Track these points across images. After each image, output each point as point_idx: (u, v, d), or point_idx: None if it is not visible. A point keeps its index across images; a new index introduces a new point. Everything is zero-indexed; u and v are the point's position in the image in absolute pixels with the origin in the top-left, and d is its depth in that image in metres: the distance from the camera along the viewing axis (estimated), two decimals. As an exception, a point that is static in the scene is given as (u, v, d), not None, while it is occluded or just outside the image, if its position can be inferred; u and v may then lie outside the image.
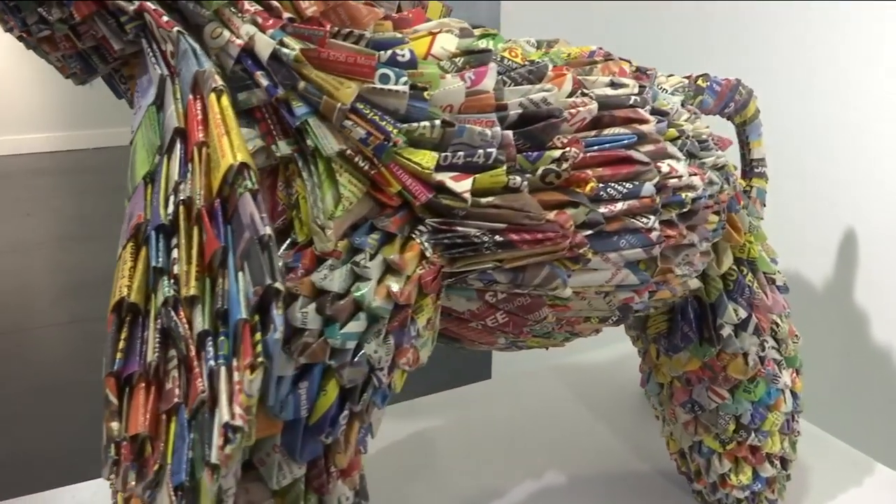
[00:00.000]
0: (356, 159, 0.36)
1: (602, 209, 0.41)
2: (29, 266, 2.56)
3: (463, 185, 0.37)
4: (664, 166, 0.44)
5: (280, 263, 0.29)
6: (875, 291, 0.74)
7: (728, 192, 0.50)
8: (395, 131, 0.36)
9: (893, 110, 0.71)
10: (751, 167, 0.61)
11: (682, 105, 0.49)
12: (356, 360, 0.36)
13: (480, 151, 0.38)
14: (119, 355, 0.32)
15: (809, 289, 0.81)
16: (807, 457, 0.64)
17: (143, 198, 0.34)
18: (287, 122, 0.35)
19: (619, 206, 0.42)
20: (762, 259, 0.53)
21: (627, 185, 0.42)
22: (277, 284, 0.28)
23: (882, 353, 0.74)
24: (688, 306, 0.53)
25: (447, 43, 0.40)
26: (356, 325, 0.35)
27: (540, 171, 0.39)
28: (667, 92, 0.50)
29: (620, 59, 0.49)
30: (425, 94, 0.37)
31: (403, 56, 0.38)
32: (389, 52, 0.38)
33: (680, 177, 0.44)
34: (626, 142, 0.43)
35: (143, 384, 0.32)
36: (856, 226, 0.75)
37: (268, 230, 0.29)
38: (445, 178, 0.37)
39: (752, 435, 0.53)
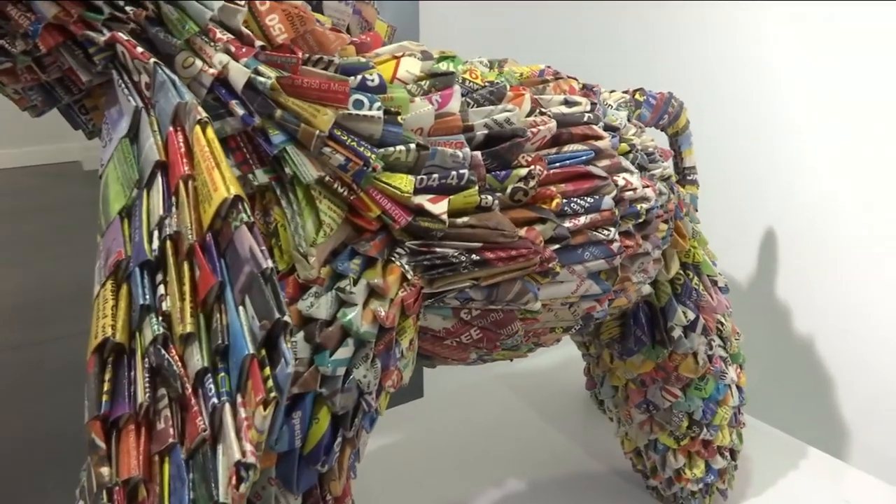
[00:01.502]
0: (335, 185, 0.36)
1: (567, 223, 0.43)
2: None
3: (440, 207, 0.38)
4: (620, 180, 0.46)
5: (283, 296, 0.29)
6: (797, 286, 0.80)
7: (673, 200, 0.53)
8: (373, 156, 0.36)
9: (807, 115, 0.76)
10: (683, 175, 0.65)
11: (629, 120, 0.52)
12: (346, 385, 0.36)
13: (454, 173, 0.39)
14: (105, 397, 0.32)
15: (737, 287, 0.86)
16: (746, 447, 0.68)
17: (121, 233, 0.33)
18: (264, 150, 0.35)
19: (583, 219, 0.44)
20: (705, 263, 0.56)
21: (589, 199, 0.44)
22: (286, 318, 0.28)
23: (807, 343, 0.79)
24: (639, 311, 0.56)
25: (411, 66, 0.41)
26: (345, 352, 0.36)
27: (509, 190, 0.41)
28: (612, 107, 0.52)
29: (567, 76, 0.51)
30: (399, 118, 0.38)
31: (373, 81, 0.39)
32: (359, 77, 0.38)
33: (635, 189, 0.46)
34: (584, 158, 0.45)
35: (133, 426, 0.32)
36: (776, 226, 0.81)
37: (269, 263, 0.29)
38: (423, 200, 0.38)
39: (704, 430, 0.56)
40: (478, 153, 0.40)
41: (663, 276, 0.54)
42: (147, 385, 0.31)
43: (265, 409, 0.27)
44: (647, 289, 0.53)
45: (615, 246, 0.45)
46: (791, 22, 0.77)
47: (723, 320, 0.57)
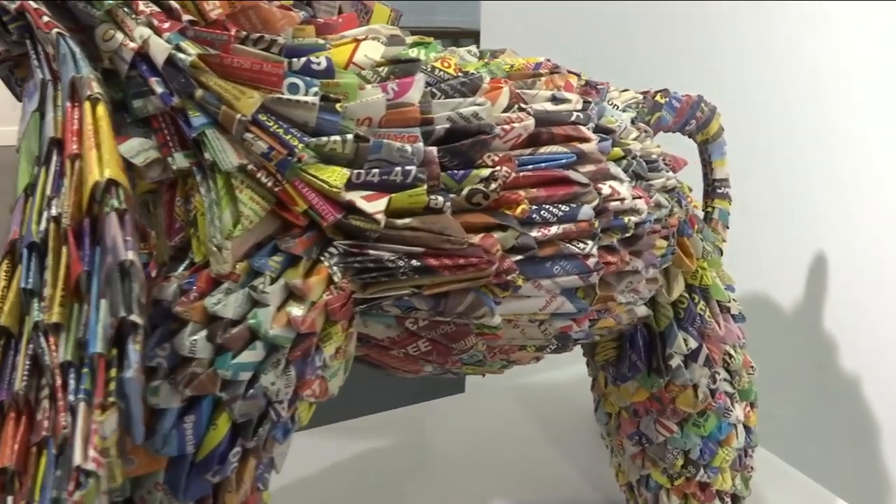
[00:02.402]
0: (259, 175, 0.34)
1: (534, 233, 0.39)
2: None
3: (375, 205, 0.35)
4: (605, 188, 0.41)
5: (138, 293, 0.27)
6: (844, 319, 0.72)
7: (679, 215, 0.47)
8: (300, 146, 0.33)
9: (866, 135, 0.68)
10: (713, 187, 0.59)
11: (633, 122, 0.47)
12: (251, 392, 0.33)
13: (398, 169, 0.35)
14: (-13, 382, 0.30)
15: (777, 313, 0.79)
16: (766, 488, 0.62)
17: (22, 212, 0.31)
18: (185, 132, 0.33)
19: (554, 229, 0.39)
20: (716, 286, 0.50)
21: (564, 207, 0.40)
22: (133, 317, 0.26)
23: (853, 384, 0.72)
24: (637, 334, 0.51)
25: (372, 51, 0.38)
26: (251, 355, 0.33)
27: (466, 191, 0.37)
28: (617, 108, 0.48)
29: (569, 71, 0.47)
30: (337, 105, 0.35)
31: (319, 64, 0.36)
32: (303, 59, 0.35)
33: (622, 199, 0.42)
34: (564, 161, 0.40)
35: (14, 413, 0.30)
36: (826, 251, 0.73)
37: (130, 255, 0.27)
38: (356, 197, 0.34)
39: (702, 471, 0.51)
40: (432, 149, 0.37)
41: (664, 298, 0.49)
42: (27, 372, 0.30)
43: (102, 413, 0.25)
44: (642, 310, 0.48)
45: (592, 261, 0.41)
46: (859, 19, 0.69)
47: (732, 352, 0.51)
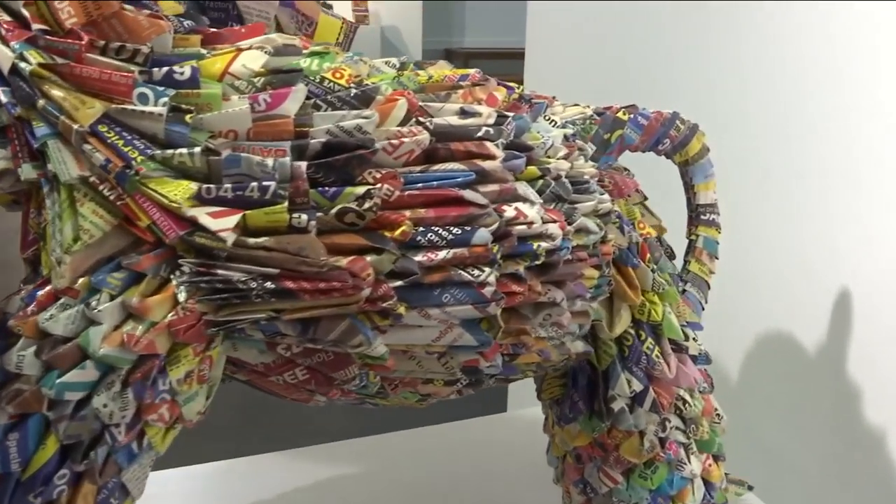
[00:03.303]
0: (101, 188, 0.32)
1: (419, 257, 0.36)
2: None
3: (222, 223, 0.33)
4: (509, 210, 0.38)
5: None
6: (871, 366, 0.64)
7: (617, 242, 0.43)
8: (139, 158, 0.32)
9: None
10: (696, 213, 0.54)
11: (569, 139, 0.43)
12: (81, 413, 0.32)
13: (254, 184, 0.34)
14: None
15: (801, 356, 0.71)
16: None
17: None
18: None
19: (443, 254, 0.36)
20: (669, 323, 0.45)
21: (455, 230, 0.37)
22: None
23: (878, 437, 0.63)
24: (579, 372, 0.46)
25: (251, 61, 0.36)
26: (81, 375, 0.32)
27: (335, 210, 0.35)
28: (554, 124, 0.44)
29: (501, 83, 0.43)
30: (187, 117, 0.33)
31: (182, 74, 0.34)
32: (165, 69, 0.34)
33: (530, 223, 0.38)
34: (460, 179, 0.37)
35: None
36: (853, 291, 0.65)
37: None
38: (200, 213, 0.33)
39: (651, 529, 0.46)
40: (301, 164, 0.35)
41: (605, 333, 0.45)
42: None
43: None
44: (579, 346, 0.44)
45: (488, 290, 0.37)
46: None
47: (687, 398, 0.46)
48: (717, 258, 0.55)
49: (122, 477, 0.35)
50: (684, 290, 0.53)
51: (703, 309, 0.54)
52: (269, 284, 0.34)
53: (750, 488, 0.60)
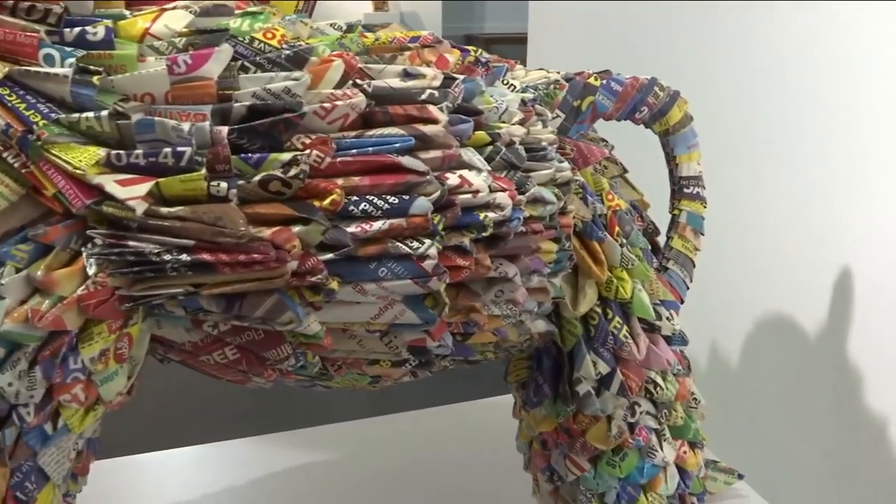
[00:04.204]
0: (6, 155, 0.31)
1: (352, 228, 0.34)
2: None
3: (131, 191, 0.31)
4: (453, 178, 0.36)
5: None
6: (873, 354, 0.60)
7: (579, 213, 0.40)
8: (41, 122, 0.30)
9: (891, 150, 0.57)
10: (679, 187, 0.51)
11: (527, 105, 0.40)
12: (-19, 393, 0.30)
13: (167, 150, 0.32)
14: None
15: (801, 342, 0.67)
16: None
17: None
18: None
19: (378, 225, 0.34)
20: (639, 302, 0.42)
21: (392, 199, 0.34)
22: None
23: (876, 427, 0.60)
24: (544, 354, 0.44)
25: (174, 21, 0.35)
26: (-19, 352, 0.30)
27: (258, 178, 0.32)
28: (513, 89, 0.41)
29: (455, 46, 0.41)
30: (94, 79, 0.31)
31: (95, 34, 0.33)
32: (78, 30, 0.32)
33: (475, 192, 0.36)
34: (398, 145, 0.35)
35: None
36: (856, 274, 0.62)
37: None
38: (108, 180, 0.31)
39: (621, 519, 0.43)
40: (221, 129, 0.33)
41: (569, 312, 0.42)
42: None
43: None
44: (540, 325, 0.42)
45: (428, 264, 0.35)
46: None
47: (659, 381, 0.43)
48: (702, 234, 0.52)
49: (38, 460, 0.33)
50: (667, 269, 0.50)
51: (688, 288, 0.51)
52: (184, 257, 0.32)
53: (740, 477, 0.57)
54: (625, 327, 0.42)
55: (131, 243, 0.31)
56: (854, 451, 0.64)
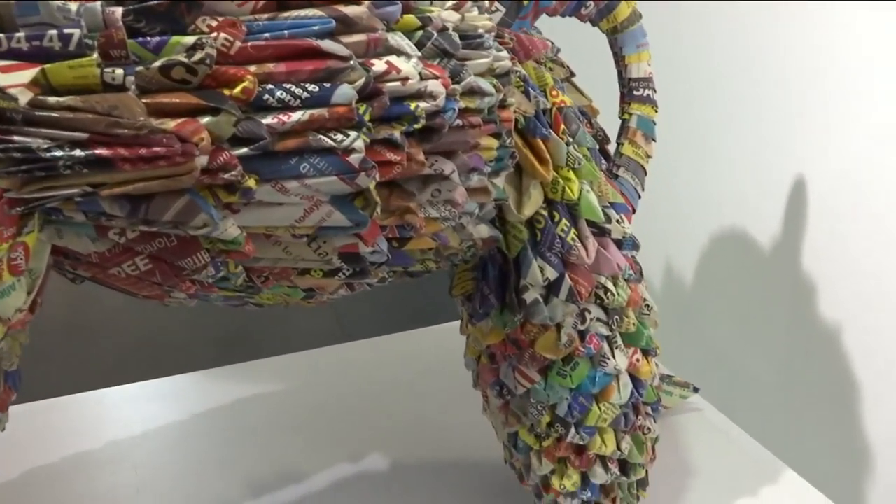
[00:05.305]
0: None
1: (268, 119, 0.31)
2: None
3: (13, 78, 0.28)
4: (379, 64, 0.33)
5: None
6: (826, 265, 0.60)
7: (521, 107, 0.38)
8: None
9: (851, 57, 0.55)
10: (629, 89, 0.49)
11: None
12: None
13: (53, 33, 0.28)
14: None
15: (755, 257, 0.67)
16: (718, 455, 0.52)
17: None
18: None
19: (297, 115, 0.31)
20: (586, 203, 0.41)
21: (312, 87, 0.32)
22: None
23: (828, 339, 0.60)
24: (489, 262, 0.42)
25: None
26: None
27: (159, 64, 0.29)
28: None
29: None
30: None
31: None
32: None
33: (404, 79, 0.33)
34: (317, 28, 0.32)
35: None
36: (809, 188, 0.61)
37: None
38: (-17, 66, 0.27)
39: (573, 430, 0.42)
40: (115, 9, 0.29)
41: (513, 215, 0.40)
42: None
43: None
44: (483, 230, 0.40)
45: (355, 158, 0.32)
46: None
47: (610, 286, 0.41)
48: (653, 140, 0.50)
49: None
50: (617, 176, 0.48)
51: (640, 197, 0.49)
52: (78, 152, 0.29)
53: (695, 390, 0.57)
54: (572, 230, 0.40)
55: (16, 138, 0.28)
56: (806, 363, 0.64)
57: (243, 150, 0.31)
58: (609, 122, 0.50)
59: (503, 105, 0.38)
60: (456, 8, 0.37)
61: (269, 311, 1.53)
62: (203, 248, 0.33)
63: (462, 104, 0.35)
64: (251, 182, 0.32)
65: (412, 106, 0.34)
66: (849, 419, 0.61)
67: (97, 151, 0.29)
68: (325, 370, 0.67)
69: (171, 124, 0.30)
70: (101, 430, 0.60)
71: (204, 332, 1.47)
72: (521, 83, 0.39)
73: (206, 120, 0.30)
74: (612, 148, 0.51)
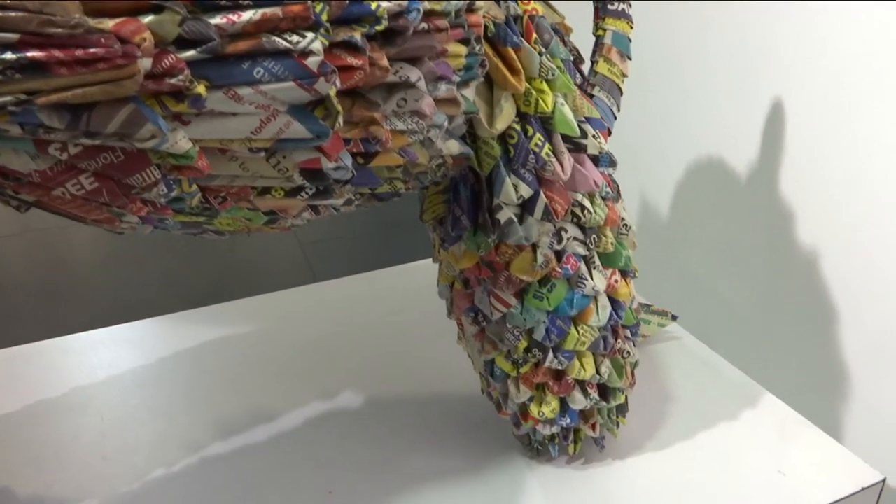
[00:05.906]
0: None
1: (217, 20, 0.29)
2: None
3: (-74, -31, 0.25)
4: (336, -39, 0.30)
5: None
6: (803, 192, 0.59)
7: (490, 12, 0.36)
8: None
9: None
10: (603, 3, 0.46)
11: None
12: None
13: (-31, -80, 0.25)
14: None
15: (732, 184, 0.66)
16: (697, 382, 0.52)
17: None
18: None
19: (248, 15, 0.29)
20: (561, 116, 0.39)
21: (264, -16, 0.29)
22: None
23: (806, 266, 0.59)
24: (461, 183, 0.40)
25: None
26: None
27: (92, -43, 0.27)
28: None
29: None
30: None
31: None
32: None
33: (364, -23, 0.30)
34: (265, -80, 0.29)
35: None
36: (787, 112, 0.59)
37: None
38: None
39: (551, 355, 0.41)
40: None
41: (485, 130, 0.38)
42: None
43: None
44: (453, 146, 0.38)
45: (313, 62, 0.30)
46: None
47: (586, 204, 0.40)
48: (629, 58, 0.48)
49: None
50: (592, 96, 0.46)
51: (616, 118, 0.48)
52: (8, 55, 0.26)
53: (674, 318, 0.56)
54: (547, 145, 0.39)
55: (-64, 38, 0.26)
56: (783, 289, 0.64)
57: (190, 53, 0.29)
58: (582, 41, 0.48)
59: (471, 9, 0.35)
60: None
61: (236, 255, 1.51)
62: (153, 164, 0.31)
63: (427, 5, 0.33)
64: (200, 88, 0.30)
65: (373, 6, 0.32)
66: (825, 343, 0.61)
67: (29, 54, 0.27)
68: (295, 311, 0.66)
69: (109, 24, 0.27)
70: (67, 376, 0.58)
71: (170, 276, 1.46)
72: (490, -13, 0.37)
73: (148, 19, 0.28)
74: (586, 69, 0.49)
